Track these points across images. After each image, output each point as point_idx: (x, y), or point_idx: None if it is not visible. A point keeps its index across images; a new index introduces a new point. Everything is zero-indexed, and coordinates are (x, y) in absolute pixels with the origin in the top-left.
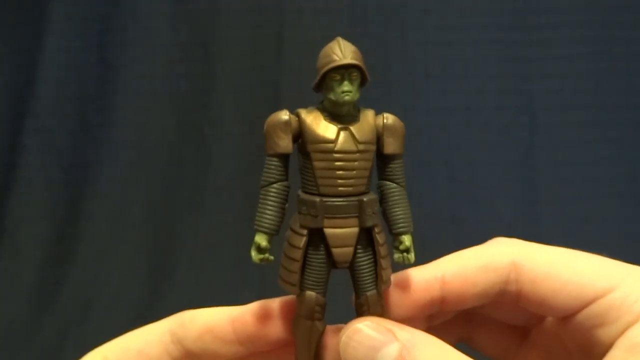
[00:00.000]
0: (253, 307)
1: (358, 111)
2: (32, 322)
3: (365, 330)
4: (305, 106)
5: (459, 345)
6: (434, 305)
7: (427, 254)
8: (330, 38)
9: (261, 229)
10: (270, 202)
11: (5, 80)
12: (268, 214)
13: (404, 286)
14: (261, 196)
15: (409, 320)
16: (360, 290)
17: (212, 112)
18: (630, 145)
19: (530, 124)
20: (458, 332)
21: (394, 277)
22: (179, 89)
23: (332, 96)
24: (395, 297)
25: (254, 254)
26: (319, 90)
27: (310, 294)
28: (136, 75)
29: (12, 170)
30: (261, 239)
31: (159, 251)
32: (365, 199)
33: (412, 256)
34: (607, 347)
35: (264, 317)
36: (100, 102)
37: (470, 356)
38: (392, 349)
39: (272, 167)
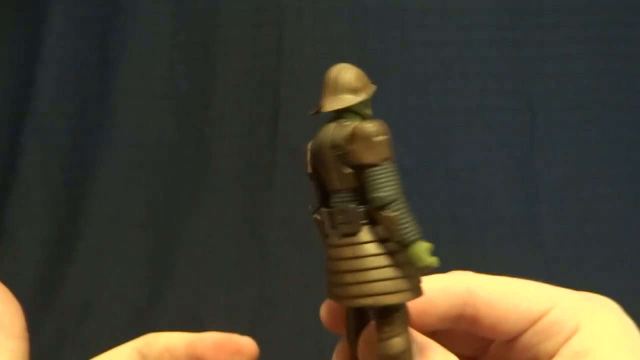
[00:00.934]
0: (204, 335)
1: None
2: (32, 322)
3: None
4: (304, 108)
5: None
6: None
7: None
8: (330, 38)
9: (420, 235)
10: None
11: (5, 80)
12: (414, 220)
13: None
14: (407, 206)
15: None
16: None
17: (212, 112)
18: (630, 145)
19: (530, 124)
20: None
21: None
22: (179, 89)
23: (370, 113)
24: None
25: (433, 259)
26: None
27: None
28: (136, 75)
29: (12, 171)
30: (428, 243)
31: (159, 251)
32: None
33: None
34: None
35: (211, 346)
36: (100, 102)
37: None
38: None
39: (396, 173)
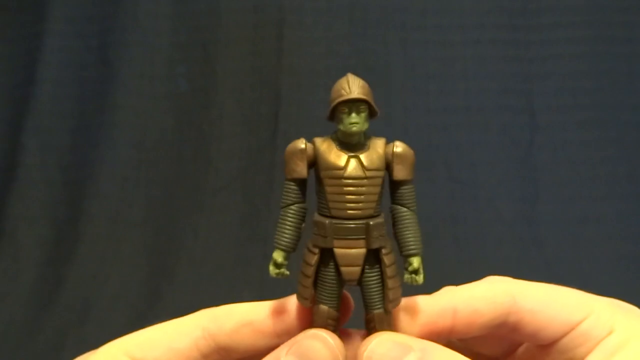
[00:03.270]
0: (290, 300)
1: (368, 140)
2: (32, 322)
3: (385, 344)
4: (304, 108)
5: None
6: (443, 334)
7: (427, 253)
8: (331, 38)
9: (279, 246)
10: (288, 222)
11: (6, 80)
12: (286, 232)
13: (415, 313)
14: (280, 216)
15: None
16: (368, 307)
17: (212, 112)
18: (630, 145)
19: (530, 124)
20: None
21: (406, 302)
22: (179, 89)
23: (341, 127)
24: (405, 323)
25: (271, 268)
26: (332, 120)
27: (323, 307)
28: (136, 75)
29: (12, 170)
30: (278, 255)
31: (159, 251)
32: (372, 223)
33: (420, 278)
34: None
35: (304, 311)
36: (100, 102)
37: None
38: (412, 358)
39: (290, 190)
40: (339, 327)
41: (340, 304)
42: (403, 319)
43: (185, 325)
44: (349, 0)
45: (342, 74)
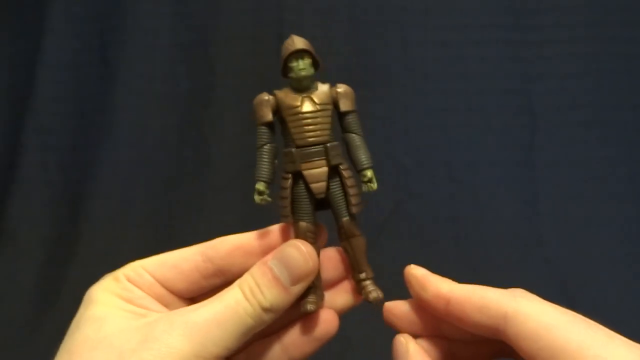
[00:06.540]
0: (274, 226)
1: (315, 84)
2: (32, 322)
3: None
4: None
5: None
6: (438, 314)
7: (427, 253)
8: (331, 38)
9: (260, 178)
10: (264, 158)
11: (5, 80)
12: (263, 167)
13: (421, 285)
14: (257, 155)
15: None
16: (337, 217)
17: (212, 112)
18: (630, 145)
19: (530, 124)
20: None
21: (423, 273)
22: (179, 88)
23: (293, 75)
24: (413, 289)
25: (256, 197)
26: (286, 75)
27: (301, 223)
28: (136, 75)
29: (12, 170)
30: (260, 185)
31: (159, 251)
32: (329, 145)
33: (374, 185)
34: None
35: (285, 232)
36: (100, 102)
37: None
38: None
39: (262, 133)
40: (318, 242)
41: (317, 223)
42: (415, 283)
43: (188, 252)
44: (349, 0)
45: (342, 74)
